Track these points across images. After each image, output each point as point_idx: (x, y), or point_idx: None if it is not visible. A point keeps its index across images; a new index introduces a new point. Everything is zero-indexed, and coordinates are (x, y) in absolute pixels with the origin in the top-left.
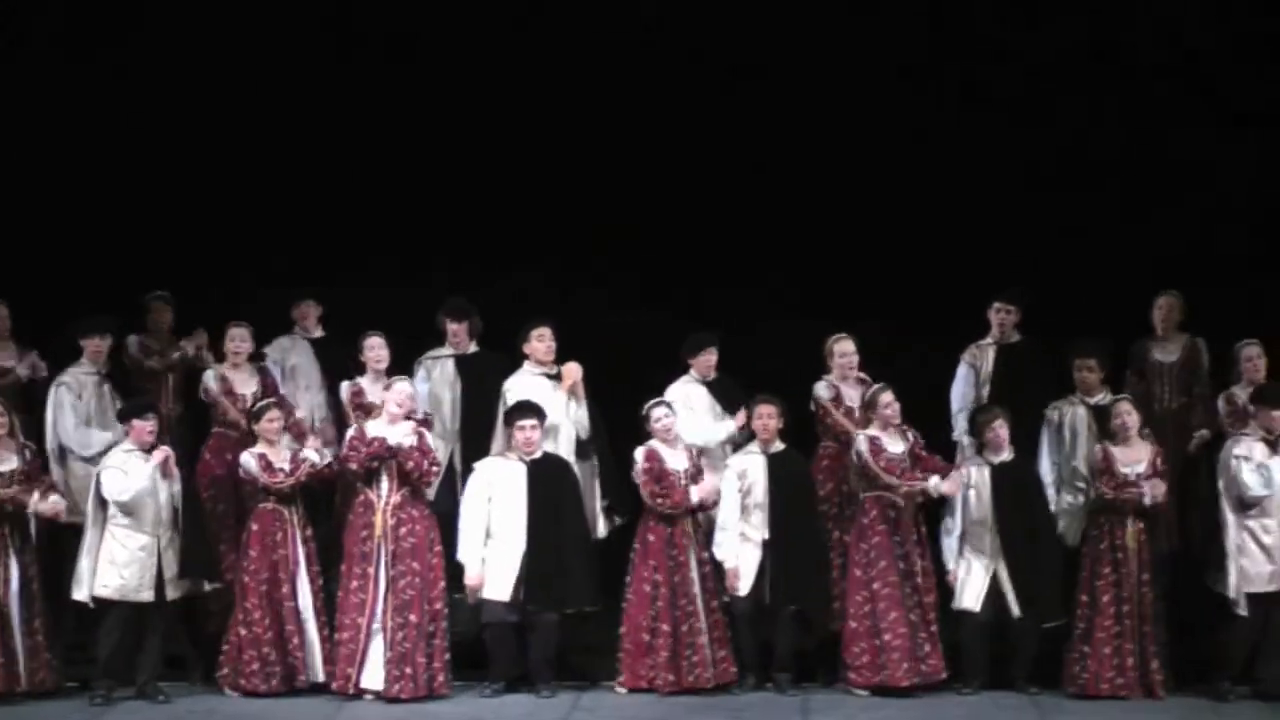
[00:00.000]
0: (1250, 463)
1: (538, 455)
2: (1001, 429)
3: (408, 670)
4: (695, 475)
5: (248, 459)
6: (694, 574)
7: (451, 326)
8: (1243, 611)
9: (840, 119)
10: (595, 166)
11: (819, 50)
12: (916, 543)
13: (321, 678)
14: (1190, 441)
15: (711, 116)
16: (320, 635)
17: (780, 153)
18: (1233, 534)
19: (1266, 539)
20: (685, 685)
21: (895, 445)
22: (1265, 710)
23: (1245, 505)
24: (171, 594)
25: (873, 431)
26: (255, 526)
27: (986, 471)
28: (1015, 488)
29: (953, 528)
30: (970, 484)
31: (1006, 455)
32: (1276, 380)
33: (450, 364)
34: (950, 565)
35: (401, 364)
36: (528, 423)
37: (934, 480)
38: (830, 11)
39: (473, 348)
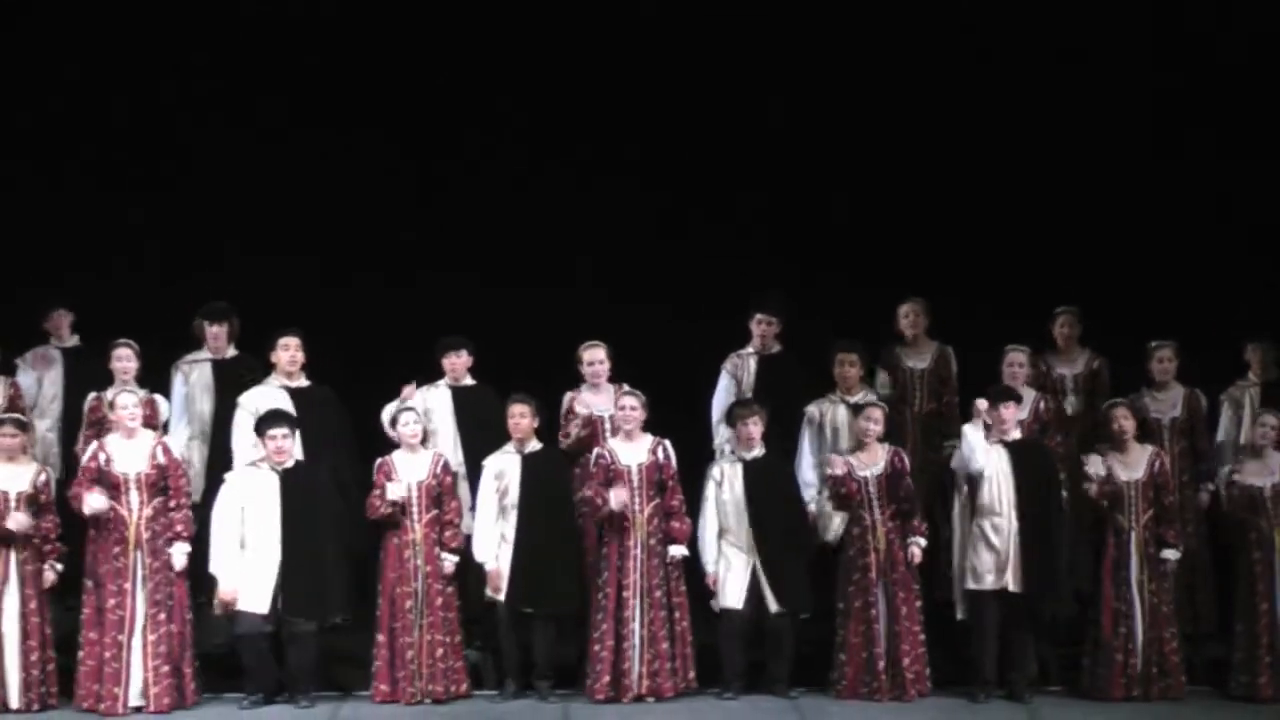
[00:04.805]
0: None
1: (289, 464)
2: (755, 426)
3: (174, 681)
4: (433, 489)
5: None
6: (420, 584)
7: (211, 329)
8: (960, 615)
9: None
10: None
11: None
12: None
13: (16, 704)
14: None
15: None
16: (21, 660)
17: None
18: (959, 532)
19: (995, 539)
20: (426, 694)
21: (634, 458)
22: (1017, 710)
23: (973, 498)
24: None
25: (612, 445)
26: None
27: (739, 467)
28: (767, 483)
29: (707, 526)
30: (721, 481)
31: (758, 451)
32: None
33: (208, 368)
34: (710, 567)
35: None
36: (279, 432)
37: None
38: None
39: (231, 351)
